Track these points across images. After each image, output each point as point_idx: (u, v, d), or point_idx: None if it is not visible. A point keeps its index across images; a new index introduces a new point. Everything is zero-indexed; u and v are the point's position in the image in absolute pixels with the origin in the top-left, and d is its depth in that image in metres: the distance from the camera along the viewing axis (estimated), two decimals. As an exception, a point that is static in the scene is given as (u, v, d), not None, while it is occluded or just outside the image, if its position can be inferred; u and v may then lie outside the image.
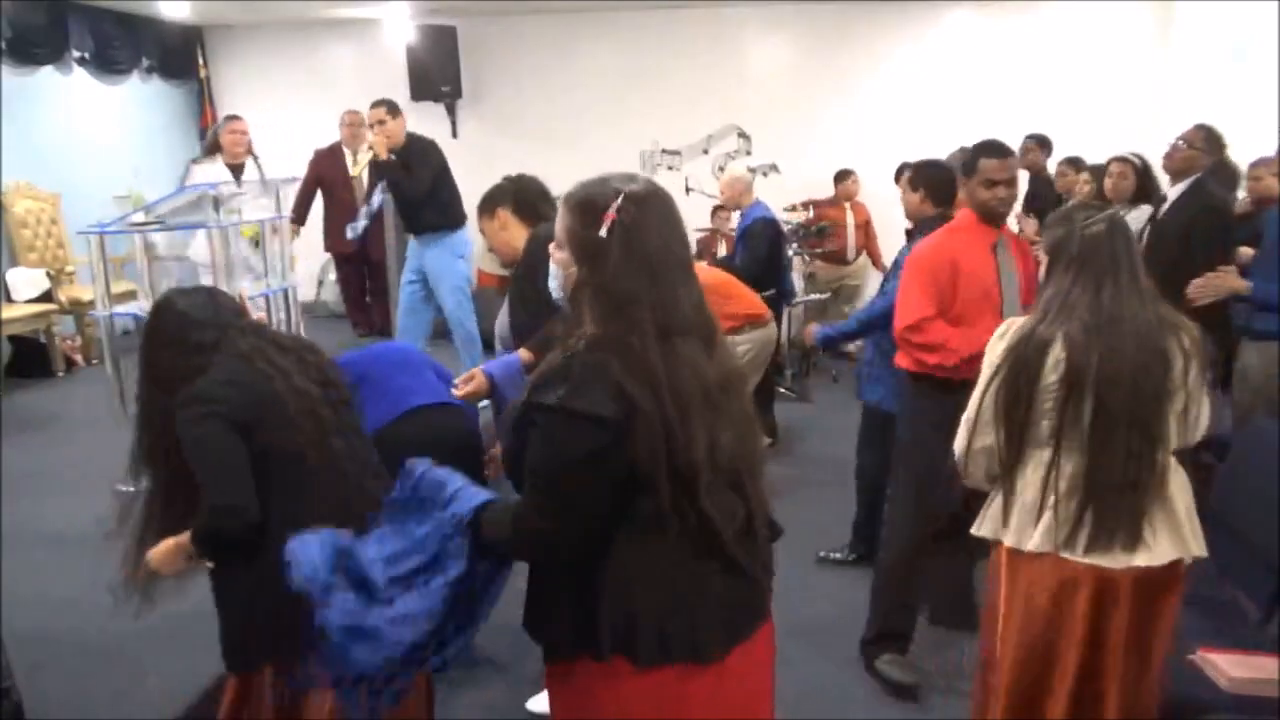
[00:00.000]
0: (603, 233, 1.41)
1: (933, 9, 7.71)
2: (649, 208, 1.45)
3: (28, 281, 6.37)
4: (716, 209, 7.03)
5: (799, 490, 4.33)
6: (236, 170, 5.59)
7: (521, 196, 2.94)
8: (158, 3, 7.37)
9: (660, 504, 1.40)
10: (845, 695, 2.84)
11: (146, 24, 7.80)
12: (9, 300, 6.23)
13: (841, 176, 7.27)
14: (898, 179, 4.18)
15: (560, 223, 1.49)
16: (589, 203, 1.45)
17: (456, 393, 2.70)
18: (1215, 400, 2.12)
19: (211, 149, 5.77)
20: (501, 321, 3.11)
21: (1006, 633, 2.02)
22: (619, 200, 1.42)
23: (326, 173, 6.68)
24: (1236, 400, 3.64)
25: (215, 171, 5.50)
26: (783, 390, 5.87)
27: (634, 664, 1.42)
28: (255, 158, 5.77)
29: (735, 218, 5.66)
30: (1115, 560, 1.88)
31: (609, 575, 1.43)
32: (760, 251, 5.07)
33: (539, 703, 2.72)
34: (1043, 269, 2.04)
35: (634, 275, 1.41)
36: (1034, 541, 1.93)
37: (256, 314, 5.76)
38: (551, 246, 1.54)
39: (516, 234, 2.89)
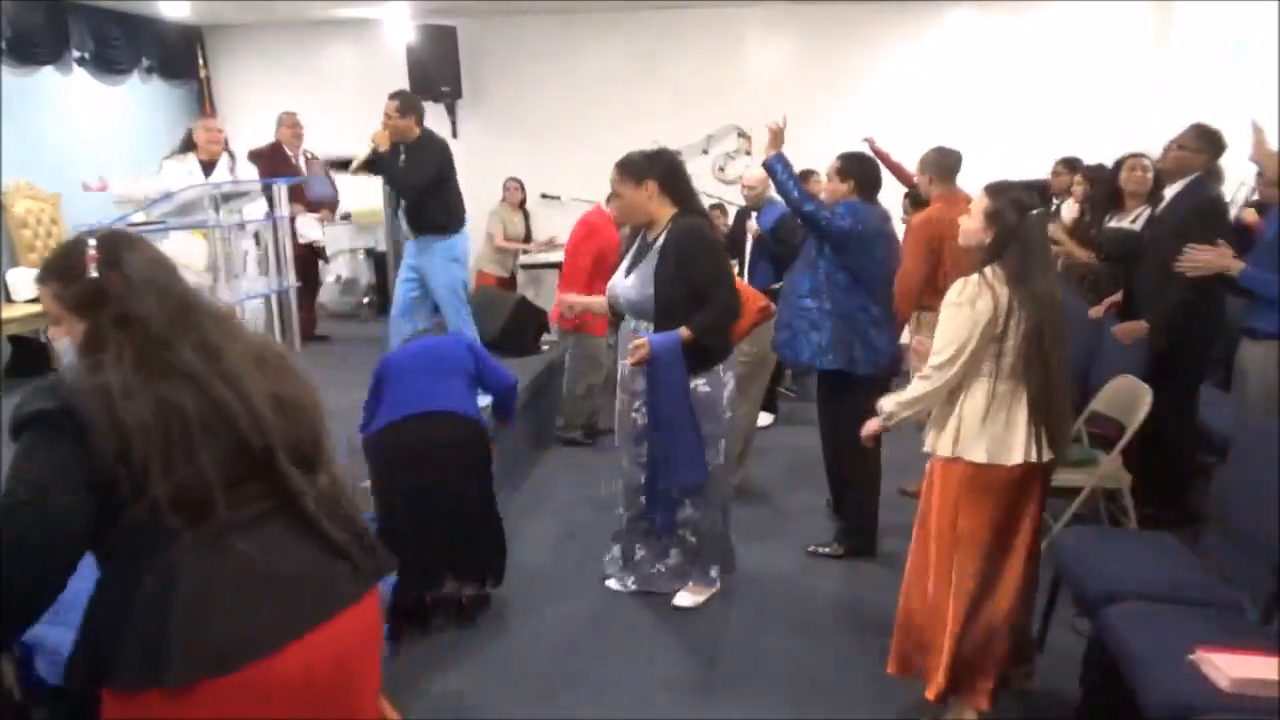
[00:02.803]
0: (93, 273, 1.45)
1: (933, 9, 7.71)
2: (120, 238, 1.52)
3: (28, 281, 6.36)
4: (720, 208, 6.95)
5: (792, 489, 4.33)
6: (208, 167, 5.63)
7: (671, 177, 3.17)
8: (158, 3, 7.37)
9: (141, 521, 1.34)
10: (841, 689, 2.84)
11: (146, 24, 7.79)
12: (9, 300, 6.21)
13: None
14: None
15: (47, 304, 1.50)
16: (63, 264, 1.48)
17: (628, 360, 3.06)
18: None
19: (186, 147, 5.79)
20: (627, 293, 3.23)
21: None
22: (92, 241, 1.47)
23: (267, 172, 6.53)
24: (1236, 400, 3.64)
25: (186, 168, 5.60)
26: (783, 390, 5.86)
27: (109, 688, 1.35)
28: (231, 155, 5.78)
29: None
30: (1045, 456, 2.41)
31: (92, 600, 1.40)
32: (796, 242, 5.29)
33: (683, 598, 3.30)
34: None
35: (143, 294, 1.44)
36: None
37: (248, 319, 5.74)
38: (50, 333, 1.57)
39: (660, 207, 3.14)
